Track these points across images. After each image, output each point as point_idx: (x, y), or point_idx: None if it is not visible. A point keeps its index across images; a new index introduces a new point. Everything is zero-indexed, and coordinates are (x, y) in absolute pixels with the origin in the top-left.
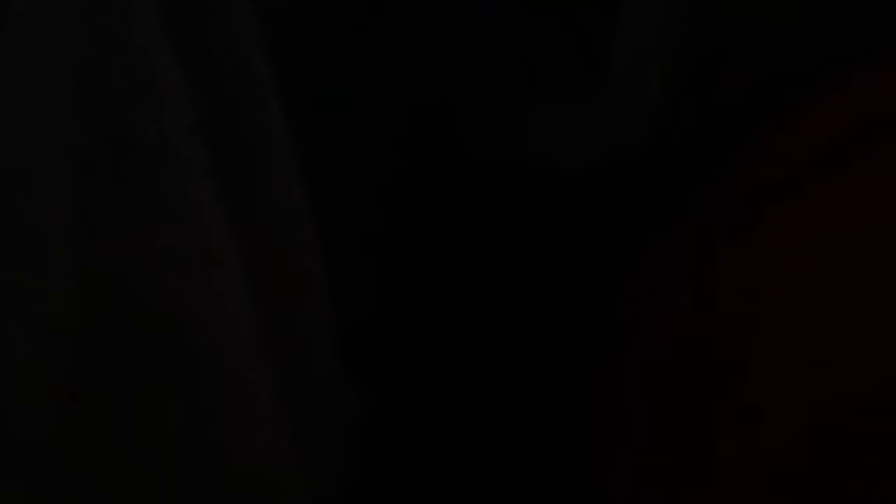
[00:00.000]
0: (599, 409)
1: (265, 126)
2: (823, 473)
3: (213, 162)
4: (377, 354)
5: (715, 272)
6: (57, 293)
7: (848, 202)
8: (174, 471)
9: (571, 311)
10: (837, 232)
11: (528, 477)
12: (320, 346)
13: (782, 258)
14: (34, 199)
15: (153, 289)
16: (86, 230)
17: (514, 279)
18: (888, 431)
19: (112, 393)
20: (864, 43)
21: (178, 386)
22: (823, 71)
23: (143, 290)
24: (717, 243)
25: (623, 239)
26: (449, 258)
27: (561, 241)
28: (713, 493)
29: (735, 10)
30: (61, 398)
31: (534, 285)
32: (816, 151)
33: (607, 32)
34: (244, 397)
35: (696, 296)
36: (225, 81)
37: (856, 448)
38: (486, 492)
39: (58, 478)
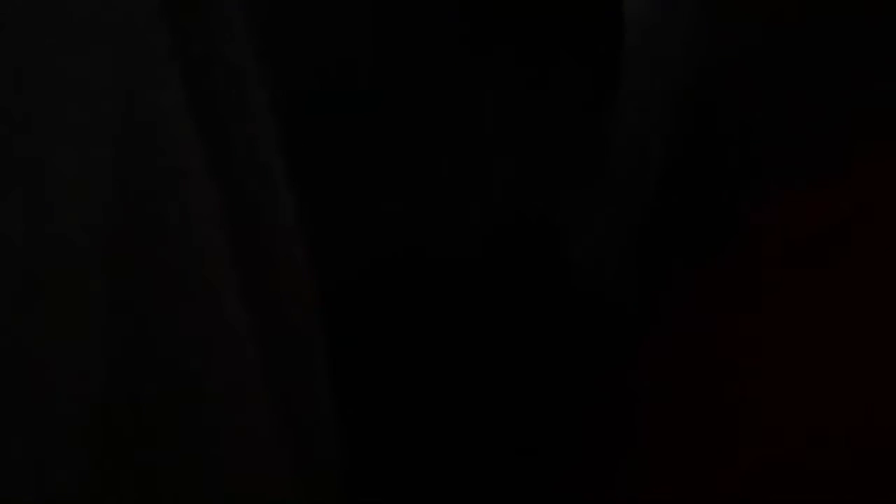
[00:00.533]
0: (600, 410)
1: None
2: (824, 479)
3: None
4: (373, 356)
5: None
6: (84, 306)
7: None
8: (175, 490)
9: (573, 314)
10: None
11: (528, 479)
12: (318, 364)
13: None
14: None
15: (158, 310)
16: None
17: (515, 283)
18: (886, 450)
19: (116, 402)
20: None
21: (179, 405)
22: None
23: (150, 311)
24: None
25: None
26: (447, 265)
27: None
28: (714, 495)
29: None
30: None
31: (534, 289)
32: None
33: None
34: (243, 416)
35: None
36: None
37: (856, 459)
38: (485, 494)
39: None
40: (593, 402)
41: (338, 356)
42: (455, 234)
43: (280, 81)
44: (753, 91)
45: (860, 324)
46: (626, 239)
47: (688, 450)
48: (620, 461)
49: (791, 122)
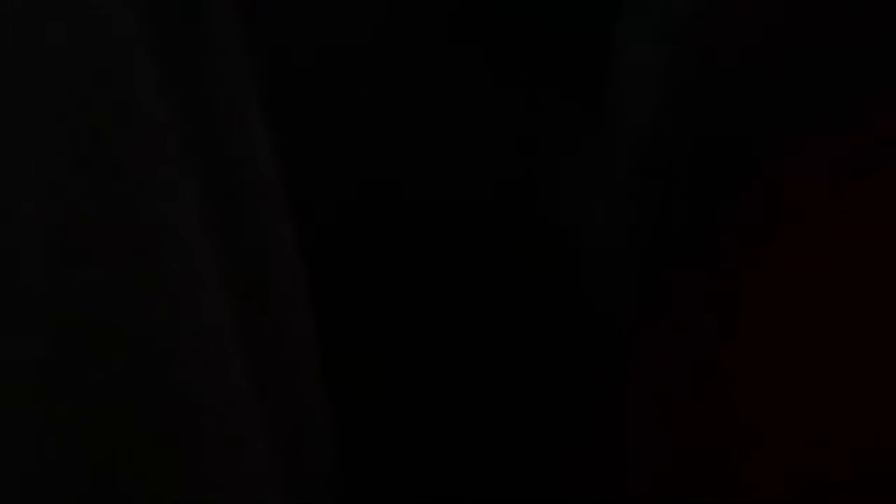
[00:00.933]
0: (600, 412)
1: (252, 151)
2: (825, 480)
3: (196, 183)
4: (367, 357)
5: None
6: (33, 324)
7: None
8: (160, 495)
9: (573, 314)
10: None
11: (527, 479)
12: (305, 374)
13: (787, 285)
14: (15, 226)
15: (129, 314)
16: (62, 255)
17: (514, 283)
18: (886, 451)
19: (83, 424)
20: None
21: (151, 408)
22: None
23: (119, 316)
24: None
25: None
26: (444, 266)
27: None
28: (714, 496)
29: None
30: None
31: (533, 290)
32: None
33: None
34: (223, 421)
35: (696, 309)
36: (215, 106)
37: (856, 461)
38: (484, 494)
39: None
40: (593, 403)
41: (329, 349)
42: (446, 185)
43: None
44: (758, 42)
45: (862, 323)
46: (626, 218)
47: (688, 451)
48: (620, 463)
49: (798, 73)
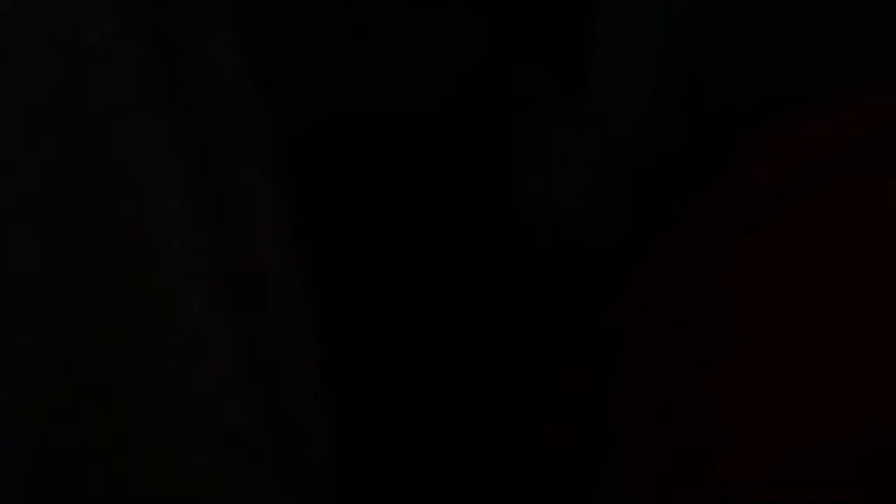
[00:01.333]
0: (600, 410)
1: (245, 145)
2: (824, 479)
3: (191, 179)
4: (362, 360)
5: (703, 282)
6: (29, 317)
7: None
8: (146, 490)
9: (564, 314)
10: (825, 249)
11: (526, 479)
12: (305, 373)
13: (774, 271)
14: (15, 226)
15: (126, 311)
16: (59, 251)
17: (505, 284)
18: (886, 450)
19: (77, 409)
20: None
21: (149, 405)
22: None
23: (117, 313)
24: (709, 250)
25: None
26: (435, 260)
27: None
28: (713, 495)
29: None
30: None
31: (522, 292)
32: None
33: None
34: (218, 419)
35: (686, 301)
36: (207, 103)
37: (856, 460)
38: (483, 494)
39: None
40: (593, 402)
41: (329, 349)
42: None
43: None
44: (756, 40)
45: (861, 322)
46: (613, 169)
47: (688, 451)
48: (620, 463)
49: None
